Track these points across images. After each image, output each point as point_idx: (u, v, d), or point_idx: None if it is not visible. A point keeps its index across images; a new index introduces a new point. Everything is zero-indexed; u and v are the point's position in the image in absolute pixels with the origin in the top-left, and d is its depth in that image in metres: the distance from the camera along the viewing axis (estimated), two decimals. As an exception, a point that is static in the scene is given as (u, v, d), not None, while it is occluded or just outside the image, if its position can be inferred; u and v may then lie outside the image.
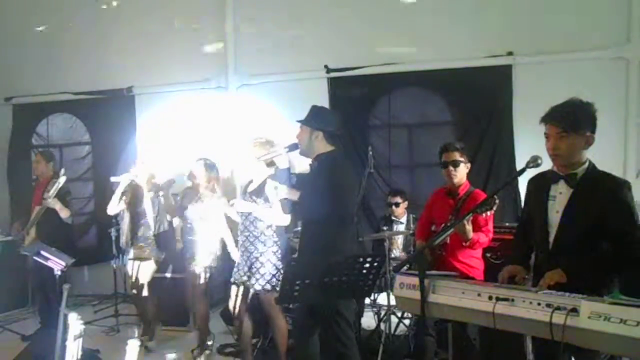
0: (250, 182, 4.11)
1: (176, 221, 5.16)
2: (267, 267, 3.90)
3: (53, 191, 4.87)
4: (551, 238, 2.53)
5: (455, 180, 3.67)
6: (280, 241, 4.04)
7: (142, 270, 4.83)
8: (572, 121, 2.40)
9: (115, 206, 4.82)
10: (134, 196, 4.85)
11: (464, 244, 3.39)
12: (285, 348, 3.96)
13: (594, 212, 2.40)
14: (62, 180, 4.87)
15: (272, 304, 3.86)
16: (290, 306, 3.99)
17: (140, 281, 4.84)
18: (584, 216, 2.42)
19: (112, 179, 4.90)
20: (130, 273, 4.87)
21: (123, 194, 4.80)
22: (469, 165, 3.74)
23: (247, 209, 3.91)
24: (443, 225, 3.56)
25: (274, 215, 3.84)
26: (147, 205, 4.81)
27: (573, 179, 2.47)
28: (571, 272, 2.36)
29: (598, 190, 2.41)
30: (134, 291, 4.93)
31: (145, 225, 4.82)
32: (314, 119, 3.34)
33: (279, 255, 3.96)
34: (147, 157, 5.18)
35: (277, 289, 3.86)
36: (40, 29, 7.22)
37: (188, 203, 4.60)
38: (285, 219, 3.88)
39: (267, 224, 3.93)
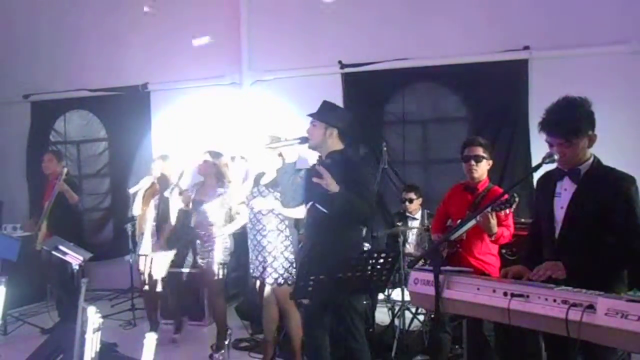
0: (263, 174, 4.10)
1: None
2: (280, 260, 3.92)
3: (60, 179, 5.09)
4: (557, 234, 2.52)
5: (476, 176, 3.57)
6: (292, 235, 4.05)
7: (157, 265, 4.91)
8: (573, 130, 2.37)
9: (139, 207, 5.00)
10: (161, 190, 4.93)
11: (491, 238, 3.34)
12: (299, 342, 3.96)
13: (598, 208, 2.37)
14: (64, 171, 5.16)
15: (286, 299, 3.87)
16: (303, 301, 3.98)
17: (154, 276, 4.91)
18: (588, 212, 2.40)
19: (131, 190, 5.11)
20: (142, 268, 4.94)
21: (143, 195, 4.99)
22: (490, 162, 3.63)
23: (267, 207, 3.92)
24: (459, 220, 3.52)
25: (293, 210, 3.78)
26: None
27: (577, 175, 2.45)
28: (577, 269, 2.33)
29: (602, 186, 2.38)
30: (147, 287, 4.97)
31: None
32: (330, 115, 3.27)
33: (292, 250, 3.98)
34: (170, 153, 5.24)
35: (289, 282, 3.89)
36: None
37: (204, 197, 4.54)
38: (302, 212, 3.74)
39: (281, 219, 3.95)
